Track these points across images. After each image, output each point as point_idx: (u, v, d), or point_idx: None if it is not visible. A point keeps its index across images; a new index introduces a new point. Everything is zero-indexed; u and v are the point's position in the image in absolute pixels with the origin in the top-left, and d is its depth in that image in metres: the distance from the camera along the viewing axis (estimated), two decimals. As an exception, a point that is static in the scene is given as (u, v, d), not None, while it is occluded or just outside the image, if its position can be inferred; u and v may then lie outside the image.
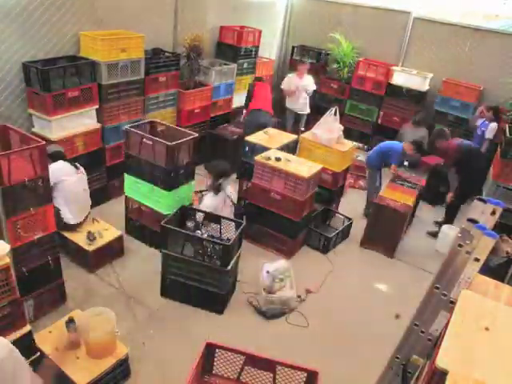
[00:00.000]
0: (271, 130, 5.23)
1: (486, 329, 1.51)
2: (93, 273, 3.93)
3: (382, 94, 7.08)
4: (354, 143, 5.45)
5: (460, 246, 1.81)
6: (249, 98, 5.99)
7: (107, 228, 4.13)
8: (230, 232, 3.94)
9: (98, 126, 4.64)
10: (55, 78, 4.09)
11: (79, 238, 3.93)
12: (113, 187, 5.06)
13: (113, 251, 4.11)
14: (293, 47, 7.76)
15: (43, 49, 4.29)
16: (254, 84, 6.07)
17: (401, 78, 6.90)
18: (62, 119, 4.24)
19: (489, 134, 5.75)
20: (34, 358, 2.73)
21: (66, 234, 3.95)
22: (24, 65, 4.10)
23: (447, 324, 1.57)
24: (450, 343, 1.43)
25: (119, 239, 4.14)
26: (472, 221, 1.81)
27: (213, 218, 3.91)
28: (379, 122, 7.25)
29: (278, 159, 4.40)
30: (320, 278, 4.29)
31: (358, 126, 7.38)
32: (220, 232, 3.93)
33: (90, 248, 3.85)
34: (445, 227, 5.05)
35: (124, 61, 4.66)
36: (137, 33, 4.83)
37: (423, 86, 6.78)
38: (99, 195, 4.81)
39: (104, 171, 4.92)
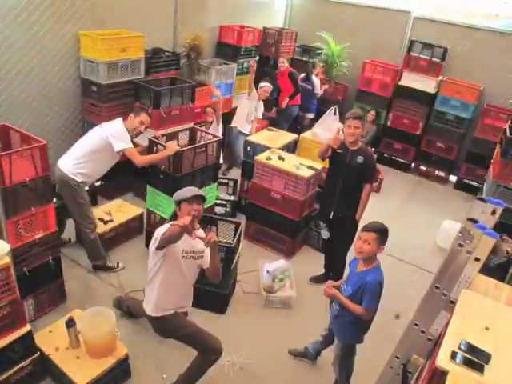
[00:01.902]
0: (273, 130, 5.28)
1: (486, 328, 1.51)
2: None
3: (389, 96, 6.90)
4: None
5: (460, 245, 1.81)
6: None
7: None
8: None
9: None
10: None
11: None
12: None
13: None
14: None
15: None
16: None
17: (409, 79, 6.77)
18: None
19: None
20: (33, 357, 2.72)
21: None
22: None
23: (447, 324, 1.57)
24: (450, 343, 1.43)
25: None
26: (472, 220, 1.81)
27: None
28: (388, 124, 7.06)
29: (279, 158, 4.40)
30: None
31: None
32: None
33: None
34: (445, 222, 5.09)
35: (124, 60, 4.66)
36: (137, 32, 4.83)
37: (431, 87, 6.68)
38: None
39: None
